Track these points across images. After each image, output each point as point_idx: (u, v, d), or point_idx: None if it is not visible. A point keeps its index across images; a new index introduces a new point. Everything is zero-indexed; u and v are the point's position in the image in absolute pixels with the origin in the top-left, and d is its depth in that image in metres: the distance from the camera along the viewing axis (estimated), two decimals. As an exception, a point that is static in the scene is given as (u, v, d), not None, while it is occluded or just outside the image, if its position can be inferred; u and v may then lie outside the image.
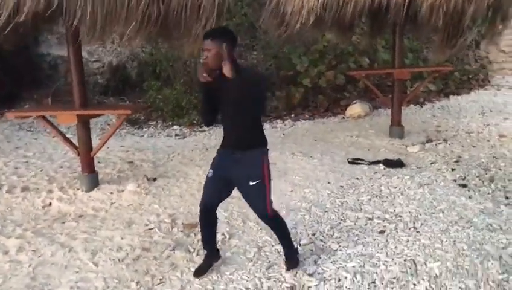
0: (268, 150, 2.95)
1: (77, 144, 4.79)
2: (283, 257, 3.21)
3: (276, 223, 3.09)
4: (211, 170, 3.00)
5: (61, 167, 5.56)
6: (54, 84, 9.96)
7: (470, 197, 4.28)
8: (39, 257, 3.47)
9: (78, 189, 4.75)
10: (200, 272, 3.12)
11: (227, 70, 2.71)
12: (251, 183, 2.86)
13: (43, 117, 4.68)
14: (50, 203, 4.52)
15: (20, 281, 3.13)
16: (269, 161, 2.95)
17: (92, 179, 4.78)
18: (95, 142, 5.09)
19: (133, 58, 10.55)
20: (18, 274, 3.23)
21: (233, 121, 2.91)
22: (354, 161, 5.40)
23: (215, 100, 2.91)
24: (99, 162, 5.47)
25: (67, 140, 4.83)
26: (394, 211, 4.04)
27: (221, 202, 3.07)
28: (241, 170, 2.89)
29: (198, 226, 3.69)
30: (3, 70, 8.93)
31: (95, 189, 4.73)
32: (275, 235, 3.59)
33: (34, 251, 3.55)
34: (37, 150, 6.43)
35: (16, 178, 5.18)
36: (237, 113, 2.87)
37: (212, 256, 3.19)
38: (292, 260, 3.16)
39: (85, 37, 4.20)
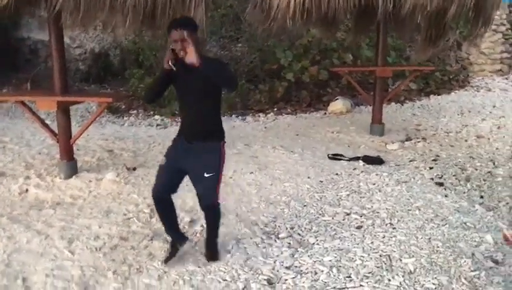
0: (225, 142, 3.03)
1: (56, 131, 4.72)
2: (206, 249, 3.22)
3: (215, 214, 3.15)
4: (164, 158, 3.06)
5: (40, 154, 5.48)
6: (33, 69, 9.76)
7: (446, 196, 4.36)
8: (14, 243, 3.42)
9: (56, 176, 4.69)
10: (167, 259, 3.15)
11: (195, 59, 2.69)
12: (206, 175, 2.93)
13: (22, 102, 4.61)
14: (27, 190, 4.45)
15: (-6, 268, 3.09)
16: (224, 153, 3.02)
17: (71, 166, 4.73)
18: (75, 129, 5.03)
19: (116, 45, 10.40)
20: (-8, 260, 3.18)
21: (194, 111, 2.95)
22: (334, 157, 5.45)
23: (165, 86, 3.01)
24: (78, 150, 5.40)
25: (46, 126, 4.76)
26: (372, 207, 4.10)
27: (174, 191, 3.08)
28: (197, 160, 2.94)
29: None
30: (-19, 53, 8.73)
31: (74, 177, 4.68)
32: (254, 228, 3.64)
33: (9, 237, 3.51)
34: (14, 135, 6.32)
35: (-8, 163, 5.09)
36: (199, 103, 2.91)
37: (176, 241, 3.21)
38: (215, 252, 3.21)
39: (67, 22, 4.14)
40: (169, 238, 3.47)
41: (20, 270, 3.07)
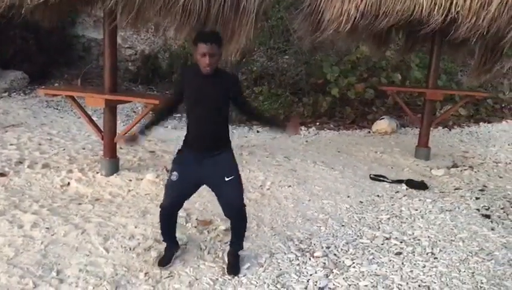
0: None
1: (102, 128, 4.80)
2: (228, 260, 3.19)
3: (243, 218, 3.10)
4: (176, 173, 2.98)
5: (84, 149, 5.60)
6: (85, 66, 10.07)
7: (492, 229, 4.14)
8: (52, 235, 3.48)
9: (97, 172, 4.77)
10: (163, 262, 3.15)
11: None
12: (227, 179, 2.93)
13: (72, 97, 4.72)
14: (68, 183, 4.54)
15: (31, 257, 3.14)
16: None
17: (113, 164, 4.80)
18: (120, 128, 5.10)
19: (166, 49, 10.61)
20: (30, 250, 3.24)
21: (208, 121, 2.93)
22: (377, 178, 5.30)
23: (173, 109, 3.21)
24: (121, 148, 5.48)
25: (93, 123, 4.86)
26: (413, 233, 3.94)
27: (182, 204, 3.13)
28: (215, 169, 2.94)
29: (213, 223, 3.70)
30: (38, 48, 9.07)
31: (115, 174, 4.74)
32: (289, 243, 3.56)
33: (47, 228, 3.57)
34: (61, 129, 6.49)
35: (38, 154, 5.23)
36: (211, 114, 2.92)
37: (173, 247, 3.24)
38: (238, 265, 3.15)
39: (121, 21, 4.22)
40: (203, 245, 3.45)
41: (55, 262, 3.11)
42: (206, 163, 2.94)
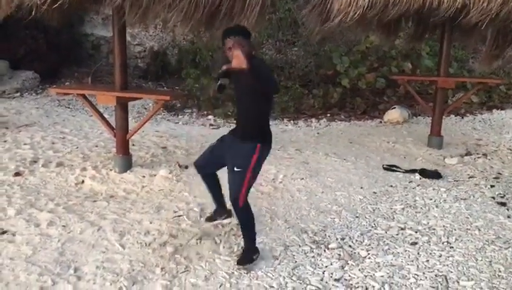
0: (263, 145, 3.05)
1: (114, 125, 4.83)
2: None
3: (240, 213, 3.13)
4: (216, 142, 3.36)
5: (96, 146, 5.64)
6: (95, 64, 10.13)
7: (508, 217, 4.10)
8: (68, 233, 3.51)
9: (111, 169, 4.80)
10: (209, 219, 3.68)
11: (241, 64, 2.66)
12: (235, 169, 3.04)
13: (84, 96, 4.75)
14: (83, 181, 4.58)
15: (48, 255, 3.18)
16: (261, 156, 3.07)
17: (126, 161, 4.83)
18: (131, 124, 5.13)
19: (174, 45, 10.63)
20: (47, 248, 3.28)
21: (242, 111, 3.17)
22: (390, 168, 5.27)
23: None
24: (133, 145, 5.52)
25: (105, 120, 4.88)
26: (428, 223, 3.91)
27: (212, 171, 3.43)
28: (232, 154, 3.11)
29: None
30: (48, 47, 9.13)
31: (128, 171, 4.77)
32: (303, 236, 3.57)
33: (64, 226, 3.61)
34: (74, 127, 6.55)
35: (52, 153, 5.28)
36: (246, 104, 3.08)
37: (217, 210, 3.63)
38: (245, 257, 3.14)
39: (129, 18, 4.22)
40: (217, 239, 3.47)
41: (72, 259, 3.15)
42: (231, 147, 3.15)
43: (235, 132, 3.21)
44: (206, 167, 3.42)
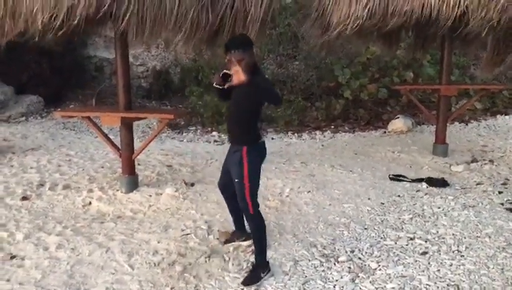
0: (249, 147, 3.08)
1: (119, 146, 4.85)
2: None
3: (254, 222, 3.16)
4: (226, 156, 3.35)
5: (102, 167, 5.66)
6: (98, 85, 10.21)
7: (518, 223, 4.07)
8: (77, 255, 3.51)
9: (117, 190, 4.81)
10: (225, 240, 3.65)
11: (241, 78, 2.83)
12: (236, 180, 3.12)
13: (88, 118, 4.78)
14: (90, 203, 4.59)
15: (58, 278, 3.17)
16: (252, 160, 3.09)
17: (132, 181, 4.84)
18: (136, 144, 5.15)
19: (177, 63, 10.70)
20: (56, 271, 3.28)
21: (231, 115, 3.25)
22: (396, 178, 5.25)
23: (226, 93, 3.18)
24: (139, 165, 5.53)
25: (110, 141, 4.91)
26: (437, 232, 3.89)
27: (228, 189, 3.36)
28: (230, 165, 3.21)
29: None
30: (51, 71, 9.22)
31: (134, 191, 4.78)
32: (312, 250, 3.55)
33: (72, 249, 3.61)
34: (79, 149, 6.58)
35: (58, 176, 5.30)
36: (238, 113, 3.17)
37: (236, 233, 3.64)
38: (252, 276, 3.12)
39: (132, 40, 4.27)
40: (226, 256, 3.46)
41: (82, 282, 3.14)
42: (228, 156, 3.27)
43: (229, 140, 3.30)
44: (225, 186, 3.39)
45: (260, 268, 3.15)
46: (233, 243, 3.61)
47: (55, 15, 3.83)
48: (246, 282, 3.08)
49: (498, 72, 9.76)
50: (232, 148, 3.20)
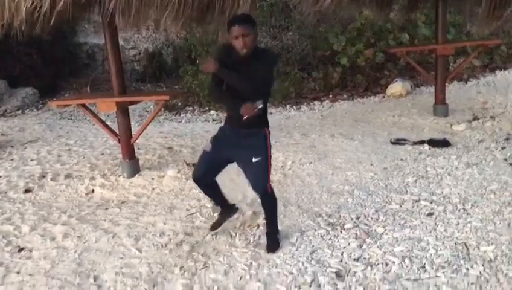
0: (269, 131, 3.04)
1: (117, 131, 4.82)
2: (266, 240, 3.22)
3: (269, 201, 3.13)
4: (210, 145, 3.13)
5: (103, 154, 5.64)
6: (92, 72, 10.12)
7: (523, 177, 4.06)
8: (84, 243, 3.52)
9: (119, 175, 4.80)
10: (214, 227, 3.42)
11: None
12: (254, 160, 2.97)
13: (84, 105, 4.73)
14: (93, 190, 4.58)
15: (67, 267, 3.18)
16: (271, 142, 3.04)
17: (133, 165, 4.82)
18: (134, 128, 5.12)
19: (168, 44, 10.57)
20: (65, 260, 3.28)
21: (241, 102, 2.89)
22: (397, 142, 5.23)
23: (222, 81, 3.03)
24: (139, 149, 5.51)
25: (108, 127, 4.87)
26: (442, 192, 3.88)
27: (214, 176, 3.22)
28: (243, 147, 3.00)
29: (240, 210, 3.69)
30: (43, 62, 9.12)
31: (136, 175, 4.76)
32: (318, 219, 3.54)
33: (79, 237, 3.61)
34: (78, 138, 6.55)
35: (59, 166, 5.29)
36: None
37: (225, 211, 3.43)
38: (274, 242, 3.17)
39: (120, 23, 4.19)
40: (233, 232, 3.45)
41: (91, 268, 3.15)
42: (238, 140, 3.02)
43: (234, 124, 3.04)
44: (206, 176, 3.20)
45: (275, 233, 3.21)
46: (224, 223, 3.46)
47: (39, 4, 3.74)
48: (272, 248, 3.13)
49: (495, 27, 9.61)
50: (243, 131, 2.99)
